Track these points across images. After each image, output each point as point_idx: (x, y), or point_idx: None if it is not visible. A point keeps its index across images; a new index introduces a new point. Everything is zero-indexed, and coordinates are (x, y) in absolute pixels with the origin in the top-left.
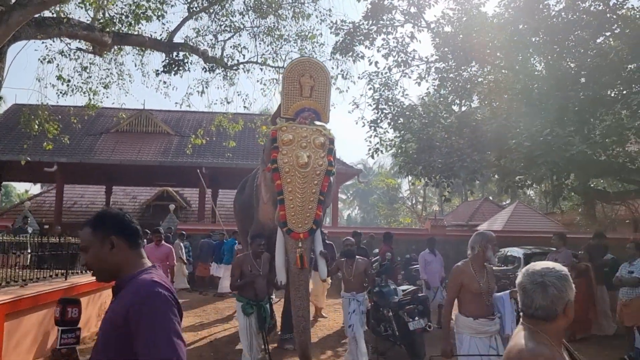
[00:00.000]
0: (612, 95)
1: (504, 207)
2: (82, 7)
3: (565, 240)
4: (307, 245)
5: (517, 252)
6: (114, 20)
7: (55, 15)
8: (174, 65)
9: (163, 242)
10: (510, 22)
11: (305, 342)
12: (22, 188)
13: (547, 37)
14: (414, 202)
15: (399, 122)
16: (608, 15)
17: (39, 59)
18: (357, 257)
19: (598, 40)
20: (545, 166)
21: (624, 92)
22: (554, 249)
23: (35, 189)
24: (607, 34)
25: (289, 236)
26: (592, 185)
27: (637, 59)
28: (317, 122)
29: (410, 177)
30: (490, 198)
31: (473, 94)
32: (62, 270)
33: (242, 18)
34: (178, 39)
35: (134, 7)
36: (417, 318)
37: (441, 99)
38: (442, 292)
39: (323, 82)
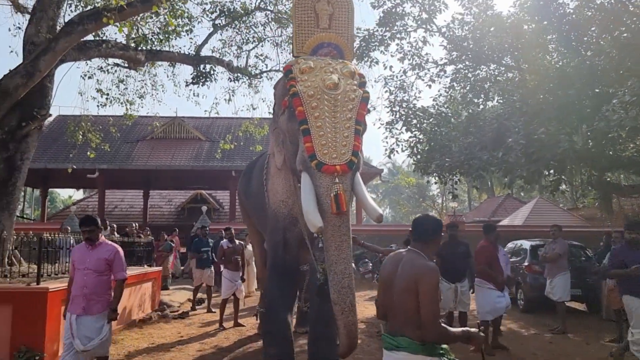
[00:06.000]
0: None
1: (526, 202)
2: (116, 27)
3: (560, 231)
4: (346, 185)
5: (525, 244)
6: (147, 38)
7: (95, 38)
8: (201, 77)
9: (103, 238)
10: (524, 21)
11: (354, 322)
12: (65, 194)
13: (560, 36)
14: (443, 199)
15: (412, 123)
16: (622, 9)
17: (80, 76)
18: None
19: (615, 35)
20: (539, 162)
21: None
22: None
23: (78, 194)
24: (622, 28)
25: (320, 172)
26: (607, 179)
27: (625, 60)
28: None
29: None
30: (522, 194)
31: (492, 92)
32: None
33: (264, 29)
34: (205, 51)
35: (164, 24)
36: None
37: (453, 99)
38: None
39: (344, 8)
